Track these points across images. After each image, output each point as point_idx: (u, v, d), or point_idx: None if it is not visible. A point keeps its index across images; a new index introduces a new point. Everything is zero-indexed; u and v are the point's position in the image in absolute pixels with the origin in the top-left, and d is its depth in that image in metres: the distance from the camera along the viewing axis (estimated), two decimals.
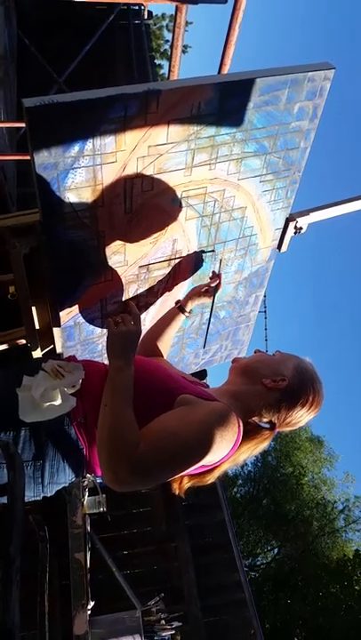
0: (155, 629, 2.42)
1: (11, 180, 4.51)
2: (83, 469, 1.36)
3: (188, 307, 1.85)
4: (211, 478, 1.35)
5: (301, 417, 1.40)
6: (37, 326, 1.79)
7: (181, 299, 1.89)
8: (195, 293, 1.86)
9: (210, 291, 1.84)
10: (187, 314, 1.85)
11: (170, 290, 1.95)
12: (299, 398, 1.37)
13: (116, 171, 1.42)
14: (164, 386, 1.33)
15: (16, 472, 1.00)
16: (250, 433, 1.35)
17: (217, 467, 1.30)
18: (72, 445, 1.31)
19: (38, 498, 1.33)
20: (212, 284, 1.83)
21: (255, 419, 1.39)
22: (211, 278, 1.85)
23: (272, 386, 1.37)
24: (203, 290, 1.85)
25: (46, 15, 5.84)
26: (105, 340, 1.36)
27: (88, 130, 1.28)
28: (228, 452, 1.23)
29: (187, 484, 1.36)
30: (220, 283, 1.84)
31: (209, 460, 1.20)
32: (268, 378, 1.39)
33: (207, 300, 1.87)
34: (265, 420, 1.40)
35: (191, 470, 1.24)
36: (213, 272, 1.86)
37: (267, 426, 1.40)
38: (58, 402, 1.29)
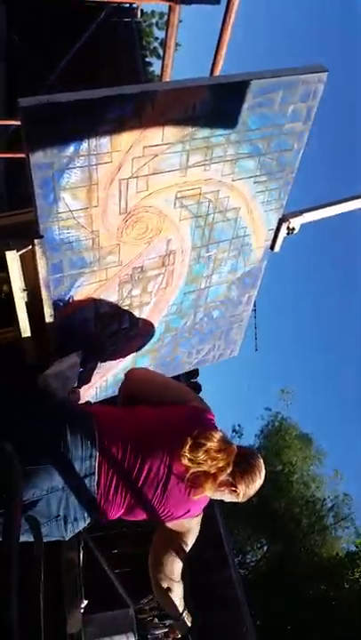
0: (148, 627, 2.42)
1: (0, 179, 4.48)
2: (97, 514, 1.49)
3: None
4: None
5: None
6: (30, 326, 1.78)
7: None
8: None
9: None
10: None
11: (163, 290, 1.95)
12: None
13: (112, 171, 1.42)
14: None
15: (13, 476, 1.00)
16: None
17: None
18: (91, 500, 1.43)
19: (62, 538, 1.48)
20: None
21: None
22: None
23: None
24: None
25: (35, 13, 5.81)
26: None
27: (84, 130, 1.28)
28: None
29: None
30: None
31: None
32: None
33: None
34: None
35: None
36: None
37: None
38: None
